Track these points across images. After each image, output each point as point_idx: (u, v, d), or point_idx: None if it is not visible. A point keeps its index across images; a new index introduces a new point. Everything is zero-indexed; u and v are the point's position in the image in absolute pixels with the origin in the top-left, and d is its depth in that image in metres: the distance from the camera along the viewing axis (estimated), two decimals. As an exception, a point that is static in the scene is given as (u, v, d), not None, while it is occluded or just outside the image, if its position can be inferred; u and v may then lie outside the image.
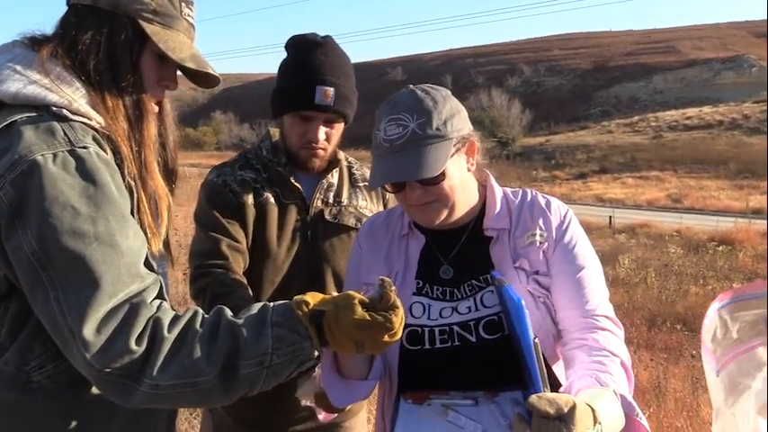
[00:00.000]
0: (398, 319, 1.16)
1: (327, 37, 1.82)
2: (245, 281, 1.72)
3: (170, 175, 1.40)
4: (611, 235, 23.78)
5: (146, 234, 1.23)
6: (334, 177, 1.91)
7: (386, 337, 1.16)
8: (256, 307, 1.21)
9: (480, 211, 1.50)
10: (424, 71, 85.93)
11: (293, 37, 1.82)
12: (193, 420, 3.06)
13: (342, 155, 1.97)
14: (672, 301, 13.21)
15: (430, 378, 1.38)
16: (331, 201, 1.88)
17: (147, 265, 1.18)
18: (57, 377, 1.19)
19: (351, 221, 1.88)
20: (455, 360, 1.37)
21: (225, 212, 1.76)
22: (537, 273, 1.41)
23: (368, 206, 1.94)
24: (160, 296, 1.17)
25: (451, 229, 1.48)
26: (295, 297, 1.21)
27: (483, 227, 1.47)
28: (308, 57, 1.75)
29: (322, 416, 1.62)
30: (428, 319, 1.41)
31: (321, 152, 1.82)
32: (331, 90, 1.72)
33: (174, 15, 1.29)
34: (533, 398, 0.99)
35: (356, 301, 1.18)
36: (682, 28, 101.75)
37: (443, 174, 1.36)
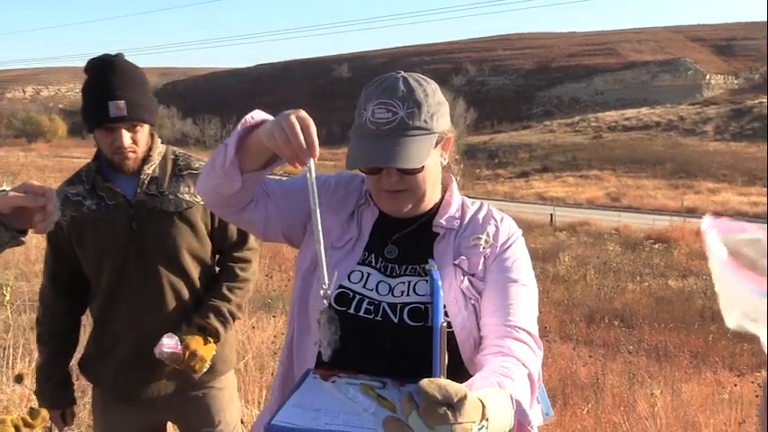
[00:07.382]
0: None
1: (118, 55, 2.12)
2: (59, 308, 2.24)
3: None
4: (552, 233, 24.26)
5: None
6: (156, 171, 2.17)
7: None
8: None
9: (434, 207, 1.53)
10: (369, 68, 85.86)
11: (88, 61, 2.10)
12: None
13: (167, 150, 2.24)
14: (610, 298, 13.54)
15: (343, 349, 1.37)
16: (153, 192, 2.15)
17: None
18: None
19: (170, 207, 2.15)
20: (372, 336, 1.40)
21: (54, 245, 2.18)
22: (473, 275, 1.44)
23: (189, 191, 2.18)
24: None
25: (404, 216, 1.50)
26: None
27: (433, 223, 1.50)
28: (100, 77, 2.05)
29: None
30: (363, 287, 1.44)
31: (131, 154, 2.11)
32: (122, 102, 2.01)
33: None
34: (424, 381, 0.95)
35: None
36: (622, 30, 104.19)
37: (423, 165, 1.39)
